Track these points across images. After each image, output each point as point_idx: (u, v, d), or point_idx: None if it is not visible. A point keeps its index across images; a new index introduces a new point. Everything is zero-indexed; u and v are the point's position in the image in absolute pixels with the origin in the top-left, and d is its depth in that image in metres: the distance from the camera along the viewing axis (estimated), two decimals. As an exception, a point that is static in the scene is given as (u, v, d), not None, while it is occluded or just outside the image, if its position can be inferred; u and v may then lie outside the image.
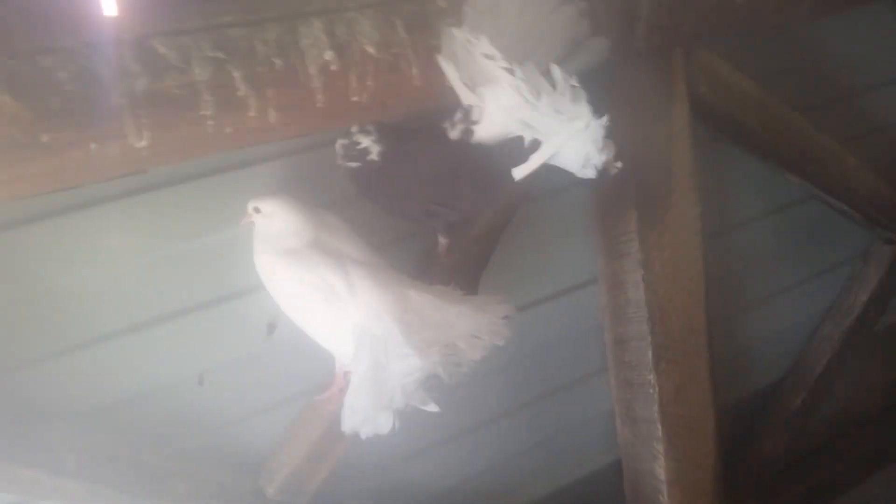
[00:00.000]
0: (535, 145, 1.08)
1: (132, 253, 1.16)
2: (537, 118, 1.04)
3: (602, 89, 1.30)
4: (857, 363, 2.13)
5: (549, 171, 1.10)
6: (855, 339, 2.06)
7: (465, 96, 1.08)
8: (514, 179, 1.12)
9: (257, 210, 1.14)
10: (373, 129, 1.15)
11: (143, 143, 0.92)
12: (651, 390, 1.56)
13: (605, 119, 1.03)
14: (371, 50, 1.04)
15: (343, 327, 1.13)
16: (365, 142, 1.14)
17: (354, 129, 1.14)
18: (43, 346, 1.14)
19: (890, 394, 2.32)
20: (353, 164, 1.16)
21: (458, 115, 1.12)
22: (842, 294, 2.06)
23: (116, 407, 1.21)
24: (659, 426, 1.59)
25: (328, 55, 1.01)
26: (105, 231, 1.14)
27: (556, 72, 1.03)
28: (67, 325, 1.15)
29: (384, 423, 1.12)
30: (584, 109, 1.02)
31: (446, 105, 1.12)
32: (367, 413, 1.12)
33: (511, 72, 1.00)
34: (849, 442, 2.23)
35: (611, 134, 1.05)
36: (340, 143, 1.16)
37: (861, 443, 2.23)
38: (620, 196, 1.44)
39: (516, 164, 1.11)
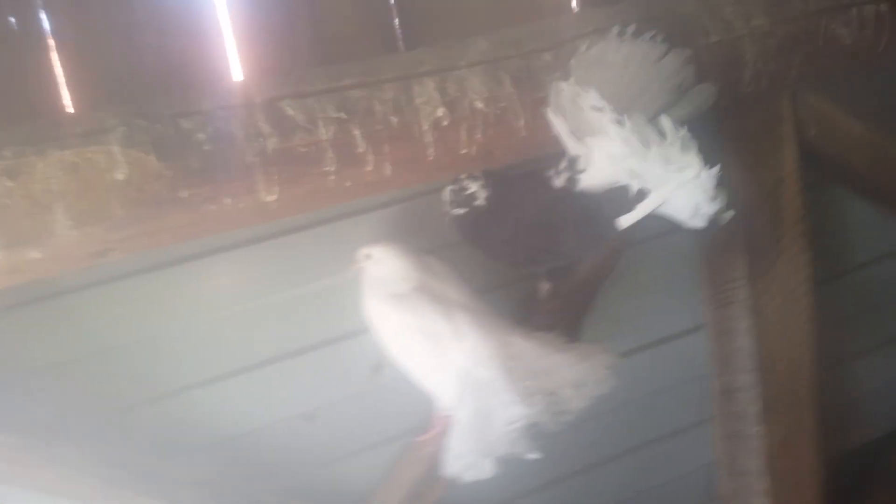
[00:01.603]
0: (643, 194, 1.08)
1: (249, 297, 1.23)
2: (646, 168, 1.04)
3: (710, 136, 1.31)
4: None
5: (655, 216, 1.10)
6: (977, 391, 1.92)
7: (573, 147, 1.10)
8: (618, 228, 1.12)
9: (368, 256, 1.19)
10: (480, 175, 1.18)
11: (273, 198, 0.99)
12: (757, 442, 1.50)
13: (716, 169, 1.02)
14: (480, 105, 1.07)
15: (446, 371, 1.15)
16: (472, 187, 1.17)
17: (463, 175, 1.18)
18: (166, 384, 1.21)
19: None
20: (461, 210, 1.19)
21: (564, 164, 1.14)
22: (959, 343, 1.94)
23: (232, 443, 1.27)
24: (764, 479, 1.53)
25: (440, 111, 1.05)
26: (223, 277, 1.22)
27: (665, 121, 1.03)
28: (188, 365, 1.22)
29: (485, 469, 1.13)
30: (694, 159, 1.02)
31: (551, 153, 1.14)
32: (469, 458, 1.13)
33: (620, 123, 1.01)
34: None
35: (721, 182, 1.04)
36: (449, 189, 1.19)
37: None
38: (728, 242, 1.41)
39: (622, 213, 1.11)
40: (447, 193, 1.20)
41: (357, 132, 1.00)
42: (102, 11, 1.02)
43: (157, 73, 1.05)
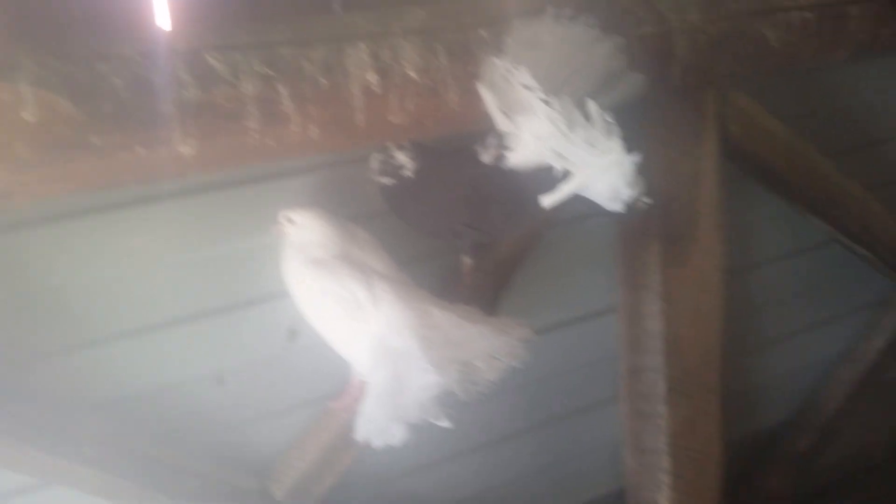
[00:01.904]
0: (566, 175, 1.11)
1: (165, 254, 1.20)
2: (570, 150, 1.06)
3: (634, 124, 1.34)
4: (867, 409, 2.12)
5: (576, 199, 1.12)
6: (867, 385, 2.05)
7: (502, 123, 1.11)
8: (542, 207, 1.14)
9: (290, 220, 1.18)
10: (409, 145, 1.18)
11: (189, 150, 0.96)
12: (661, 421, 1.57)
13: (636, 155, 1.05)
14: (413, 74, 1.07)
15: (363, 338, 1.16)
16: (401, 158, 1.18)
17: (391, 144, 1.17)
18: (69, 338, 1.18)
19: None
20: (387, 180, 1.19)
21: (493, 140, 1.15)
22: (858, 340, 2.06)
23: (136, 401, 1.24)
24: (666, 458, 1.60)
25: (371, 77, 1.04)
26: (139, 231, 1.18)
27: (592, 106, 1.05)
28: (95, 320, 1.18)
29: (397, 435, 1.14)
30: (616, 144, 1.05)
31: (481, 129, 1.15)
32: (381, 423, 1.14)
33: (548, 103, 1.02)
34: (854, 486, 2.21)
35: (641, 170, 1.07)
36: (376, 157, 1.19)
37: (866, 489, 2.21)
38: (645, 228, 1.46)
39: (546, 192, 1.13)
40: (374, 162, 1.19)
41: (283, 90, 0.98)
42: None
43: (77, 13, 1.00)
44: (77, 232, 1.14)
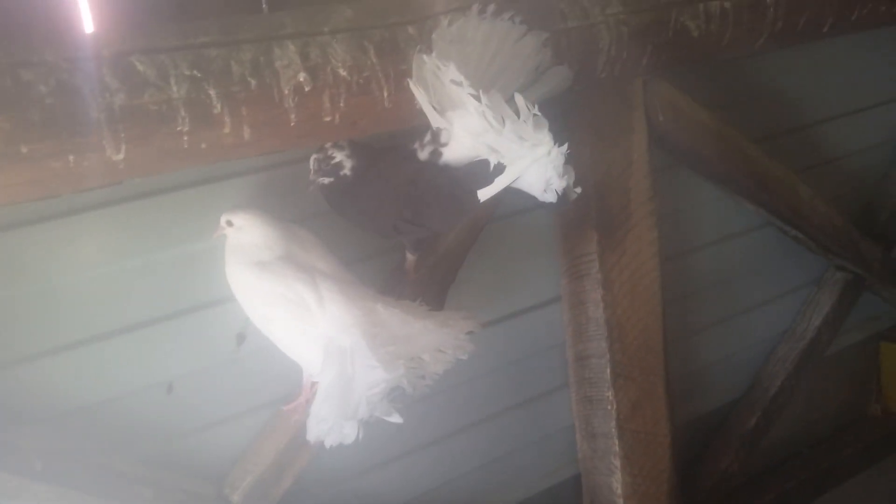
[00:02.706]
0: (500, 169, 1.13)
1: (105, 262, 1.19)
2: (502, 143, 1.08)
3: (564, 116, 1.38)
4: (810, 385, 2.21)
5: (514, 193, 1.15)
6: (808, 361, 2.13)
7: (434, 119, 1.13)
8: (479, 200, 1.17)
9: (230, 223, 1.18)
10: (346, 144, 1.19)
11: (121, 156, 0.95)
12: (609, 406, 1.61)
13: (565, 147, 1.08)
14: (343, 73, 1.08)
15: (311, 339, 1.17)
16: (338, 156, 1.19)
17: (328, 144, 1.19)
18: (13, 350, 1.16)
19: (841, 415, 2.40)
20: (326, 180, 1.20)
21: (427, 137, 1.17)
22: (796, 318, 2.14)
23: (85, 412, 1.23)
24: (616, 441, 1.64)
25: (302, 76, 1.05)
26: (78, 240, 1.17)
27: (520, 100, 1.08)
28: (37, 331, 1.17)
29: (349, 433, 1.15)
30: (545, 137, 1.07)
31: (416, 127, 1.17)
32: (332, 422, 1.14)
33: (477, 98, 1.05)
34: (801, 461, 2.29)
35: (572, 160, 1.11)
36: (315, 157, 1.20)
37: (813, 462, 2.30)
38: (582, 218, 1.50)
39: (482, 186, 1.15)
40: (313, 162, 1.21)
41: (213, 92, 0.99)
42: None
43: (-2, 21, 0.99)
44: (13, 244, 1.12)
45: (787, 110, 1.88)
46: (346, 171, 1.19)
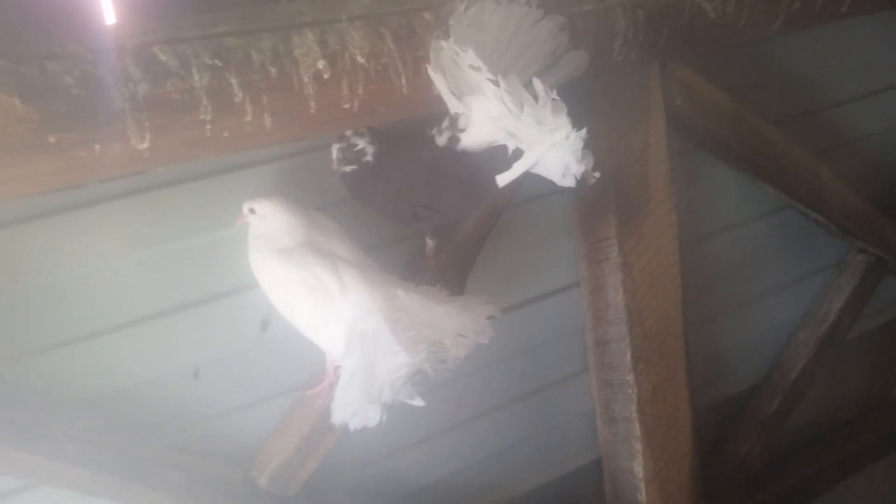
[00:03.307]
0: (519, 154, 1.14)
1: (132, 250, 1.22)
2: (520, 128, 1.09)
3: (582, 100, 1.38)
4: (831, 369, 2.19)
5: (532, 178, 1.15)
6: (829, 345, 2.12)
7: (453, 105, 1.14)
8: (498, 186, 1.18)
9: (252, 211, 1.20)
10: (366, 131, 1.20)
11: (145, 146, 0.97)
12: (629, 390, 1.61)
13: (584, 131, 1.08)
14: (361, 60, 1.09)
15: (334, 324, 1.18)
16: (361, 143, 1.20)
17: (349, 132, 1.20)
18: (45, 338, 1.19)
19: (863, 400, 2.38)
20: (350, 167, 1.21)
21: (446, 123, 1.18)
22: (817, 301, 2.13)
23: (116, 398, 1.26)
24: (637, 425, 1.64)
25: (320, 64, 1.06)
26: (106, 229, 1.19)
27: (538, 84, 1.08)
28: (69, 319, 1.19)
29: (372, 417, 1.17)
30: (564, 121, 1.07)
31: (433, 112, 1.17)
32: (356, 406, 1.16)
33: (495, 83, 1.05)
34: (823, 446, 2.28)
35: (590, 145, 1.11)
36: (337, 147, 1.21)
37: (835, 447, 2.29)
38: (601, 203, 1.50)
39: (501, 172, 1.16)
40: (335, 151, 1.21)
41: (234, 81, 1.00)
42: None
43: (24, 13, 1.01)
44: (43, 233, 1.15)
45: (805, 92, 1.86)
46: (369, 157, 1.20)
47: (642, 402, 1.63)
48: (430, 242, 1.36)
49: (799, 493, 2.20)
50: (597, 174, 1.14)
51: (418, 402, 1.19)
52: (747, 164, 1.72)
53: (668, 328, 1.61)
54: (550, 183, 1.15)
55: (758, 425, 2.13)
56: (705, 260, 1.84)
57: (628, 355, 1.58)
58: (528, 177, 1.15)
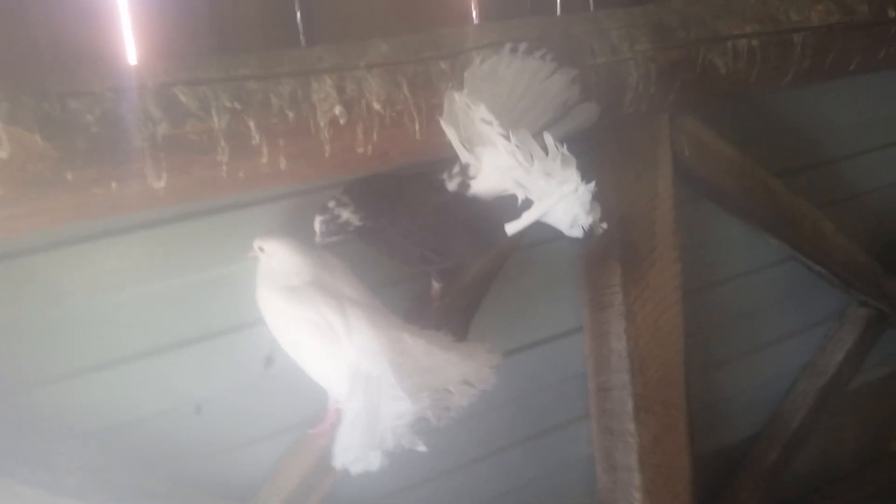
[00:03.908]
0: (528, 203, 1.15)
1: (138, 284, 1.21)
2: (530, 180, 1.10)
3: (591, 149, 1.40)
4: (831, 421, 2.19)
5: (539, 224, 1.16)
6: (830, 397, 2.12)
7: (464, 155, 1.15)
8: (506, 234, 1.18)
9: (261, 248, 1.20)
10: (348, 198, 1.17)
11: (161, 184, 0.99)
12: (630, 439, 1.61)
13: (592, 184, 1.09)
14: (377, 106, 1.11)
15: (338, 364, 1.18)
16: (344, 214, 1.17)
17: (331, 202, 1.16)
18: (49, 369, 1.18)
19: (862, 452, 2.37)
20: (333, 238, 1.18)
21: (456, 169, 1.19)
22: (818, 353, 2.13)
23: (118, 431, 1.25)
24: (637, 474, 1.63)
25: (337, 109, 1.08)
26: (113, 262, 1.19)
27: (548, 138, 1.10)
28: (73, 351, 1.19)
29: (374, 461, 1.16)
30: (573, 174, 1.08)
31: (445, 158, 1.19)
32: (358, 451, 1.16)
33: (506, 137, 1.06)
34: (821, 497, 2.26)
35: (598, 194, 1.12)
36: (319, 219, 1.17)
37: (833, 498, 2.27)
38: (606, 251, 1.51)
39: (510, 220, 1.17)
40: (317, 224, 1.17)
41: (252, 123, 1.02)
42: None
43: (47, 50, 1.03)
44: (50, 265, 1.15)
45: (811, 145, 1.89)
46: (355, 224, 1.17)
47: (643, 451, 1.62)
48: (435, 285, 1.36)
49: (797, 545, 2.18)
50: (604, 225, 1.15)
51: (420, 448, 1.19)
52: (752, 215, 1.74)
53: (670, 377, 1.61)
54: (556, 228, 1.16)
55: (757, 475, 2.11)
56: (708, 309, 1.84)
57: (630, 403, 1.57)
58: (535, 223, 1.16)
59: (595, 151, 1.41)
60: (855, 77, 1.66)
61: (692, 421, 1.68)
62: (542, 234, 1.26)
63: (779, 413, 2.12)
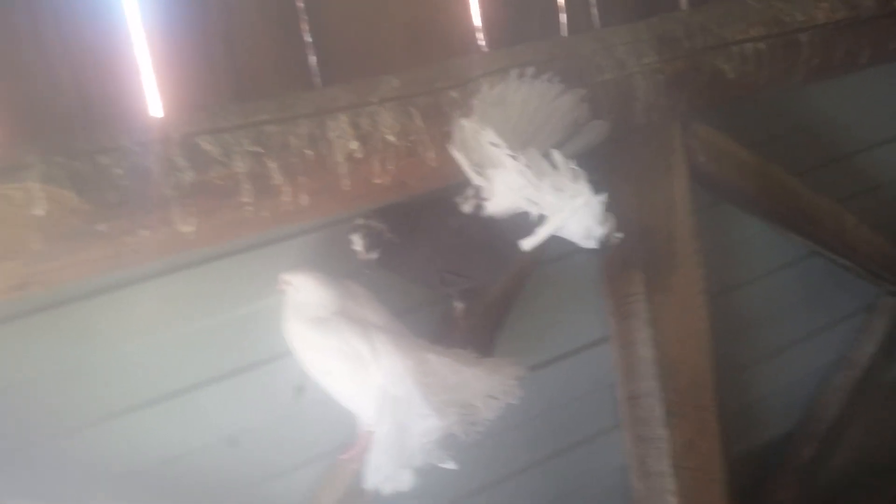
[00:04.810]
0: (542, 219, 1.17)
1: (171, 325, 1.25)
2: (541, 197, 1.12)
3: (606, 161, 1.41)
4: (867, 414, 2.16)
5: (558, 238, 1.18)
6: (864, 389, 2.09)
7: (475, 179, 1.18)
8: (522, 250, 1.21)
9: (288, 283, 1.24)
10: (373, 214, 1.22)
11: (190, 229, 1.03)
12: (663, 444, 1.61)
13: (604, 196, 1.11)
14: (391, 138, 1.14)
15: (367, 390, 1.21)
16: (378, 225, 1.22)
17: (361, 220, 1.22)
18: (88, 413, 1.22)
19: (902, 444, 2.34)
20: (376, 251, 1.23)
21: (470, 192, 1.22)
22: (850, 346, 2.11)
23: (155, 470, 1.28)
24: (671, 479, 1.63)
25: (353, 145, 1.11)
26: (144, 307, 1.23)
27: (557, 156, 1.12)
28: (111, 394, 1.23)
29: (405, 481, 1.19)
30: (583, 188, 1.11)
31: (460, 182, 1.21)
32: (388, 471, 1.18)
33: (515, 158, 1.09)
34: (861, 492, 2.23)
35: (613, 206, 1.14)
36: (357, 236, 1.22)
37: (873, 493, 2.24)
38: (628, 260, 1.52)
39: (525, 237, 1.19)
40: (358, 240, 1.23)
41: (273, 165, 1.05)
42: (15, 48, 1.04)
43: (75, 109, 1.07)
44: (86, 312, 1.19)
45: (827, 141, 1.88)
46: (388, 236, 1.22)
47: (676, 455, 1.62)
48: (458, 305, 1.39)
49: (838, 541, 2.16)
50: (620, 235, 1.17)
51: (450, 465, 1.21)
52: (772, 215, 1.74)
53: (700, 381, 1.61)
54: (573, 242, 1.18)
55: (793, 473, 2.10)
56: (735, 310, 1.84)
57: (660, 409, 1.58)
58: (553, 237, 1.18)
59: (610, 164, 1.43)
60: (867, 70, 1.65)
61: (725, 423, 1.68)
62: (562, 248, 1.28)
63: (812, 409, 2.10)
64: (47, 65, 1.05)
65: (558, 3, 1.42)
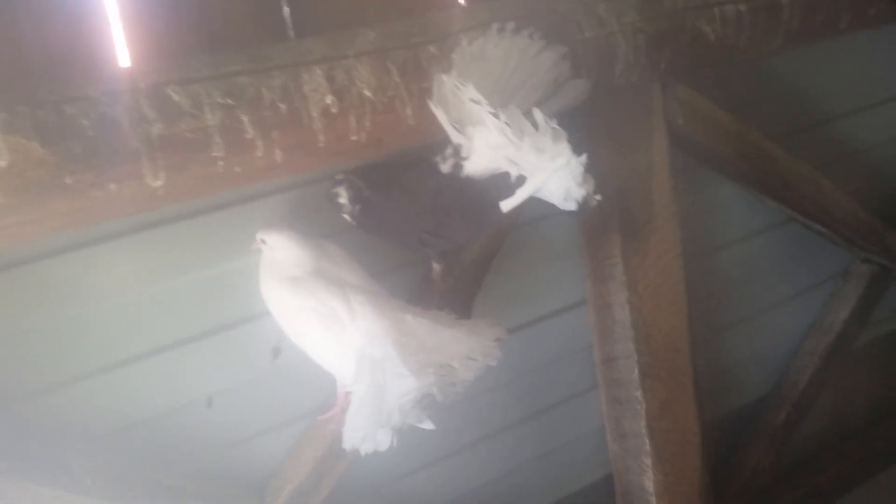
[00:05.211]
0: (521, 180, 1.16)
1: (144, 285, 1.23)
2: (521, 156, 1.11)
3: (585, 122, 1.40)
4: (839, 379, 2.20)
5: (536, 200, 1.18)
6: (836, 355, 2.13)
7: (455, 137, 1.16)
8: (502, 211, 1.20)
9: (264, 241, 1.22)
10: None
11: (159, 183, 1.00)
12: (638, 406, 1.63)
13: (584, 156, 1.10)
14: (368, 93, 1.12)
15: (344, 350, 1.20)
16: (357, 181, 1.20)
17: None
18: (61, 372, 1.21)
19: (872, 408, 2.39)
20: (358, 206, 1.21)
21: (449, 151, 1.20)
22: (823, 311, 2.14)
23: (131, 430, 1.28)
24: (647, 441, 1.66)
25: (329, 99, 1.09)
26: (118, 265, 1.21)
27: (538, 114, 1.11)
28: (84, 353, 1.22)
29: (383, 441, 1.18)
30: (564, 148, 1.09)
31: (439, 141, 1.20)
32: (366, 431, 1.18)
33: (496, 115, 1.07)
34: (833, 455, 2.29)
35: (592, 167, 1.13)
36: (339, 189, 1.20)
37: (845, 456, 2.29)
38: (605, 222, 1.52)
39: (504, 197, 1.18)
40: (342, 196, 1.20)
41: (245, 118, 1.03)
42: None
43: (40, 59, 1.04)
44: (56, 270, 1.17)
45: (805, 106, 1.88)
46: (367, 192, 1.20)
47: (651, 417, 1.64)
48: (436, 267, 1.38)
49: (809, 503, 2.21)
50: (598, 197, 1.16)
51: (428, 425, 1.21)
52: (750, 179, 1.74)
53: (675, 344, 1.63)
54: (552, 203, 1.17)
55: (767, 436, 2.14)
56: (711, 274, 1.85)
57: (636, 372, 1.59)
58: (531, 198, 1.17)
59: (589, 124, 1.42)
60: (846, 35, 1.65)
61: (700, 386, 1.70)
62: (541, 210, 1.28)
63: (786, 374, 2.14)
64: (10, 12, 1.01)
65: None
